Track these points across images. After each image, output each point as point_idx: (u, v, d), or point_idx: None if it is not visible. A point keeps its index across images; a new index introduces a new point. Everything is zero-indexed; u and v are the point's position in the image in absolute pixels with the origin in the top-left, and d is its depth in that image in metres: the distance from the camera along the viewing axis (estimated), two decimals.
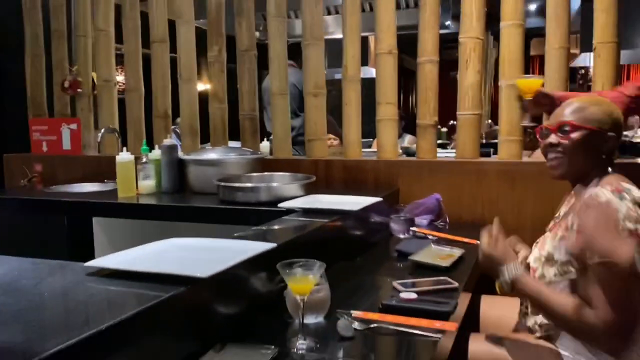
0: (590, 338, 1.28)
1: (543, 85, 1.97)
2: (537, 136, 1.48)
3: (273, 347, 1.03)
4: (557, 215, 1.53)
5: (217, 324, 1.09)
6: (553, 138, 1.39)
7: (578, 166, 1.38)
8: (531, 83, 1.85)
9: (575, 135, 1.35)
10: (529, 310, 1.47)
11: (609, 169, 1.38)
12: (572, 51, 5.69)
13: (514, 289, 1.36)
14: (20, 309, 0.89)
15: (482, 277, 1.57)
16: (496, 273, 1.39)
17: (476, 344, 1.46)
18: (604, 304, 1.20)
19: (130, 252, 1.15)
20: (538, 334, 1.43)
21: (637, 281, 1.21)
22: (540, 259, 1.40)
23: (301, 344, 1.06)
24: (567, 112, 1.38)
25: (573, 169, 1.39)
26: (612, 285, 1.20)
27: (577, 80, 7.26)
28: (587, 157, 1.37)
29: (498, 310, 1.69)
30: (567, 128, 1.36)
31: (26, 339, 0.78)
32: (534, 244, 1.51)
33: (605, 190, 1.26)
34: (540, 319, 1.42)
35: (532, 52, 7.29)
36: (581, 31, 5.31)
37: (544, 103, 1.86)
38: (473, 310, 1.69)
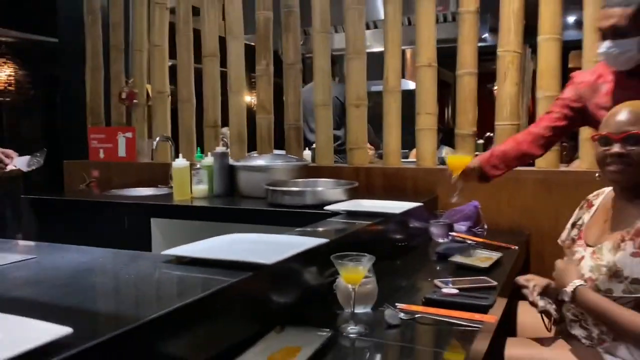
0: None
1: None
2: (597, 143, 1.44)
3: (328, 330, 1.15)
4: (580, 223, 1.57)
5: (277, 308, 1.21)
6: (618, 147, 1.38)
7: None
8: (460, 160, 1.86)
9: None
10: (581, 319, 1.46)
11: None
12: None
13: (574, 301, 1.37)
14: (114, 287, 1.03)
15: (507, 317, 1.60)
16: (563, 284, 1.40)
17: (513, 348, 1.49)
18: None
19: (199, 243, 1.29)
20: (587, 343, 1.44)
21: None
22: (600, 270, 1.37)
23: (352, 329, 1.18)
24: (631, 121, 1.36)
25: (638, 180, 1.38)
26: None
27: None
28: None
29: (535, 316, 1.70)
30: (634, 138, 1.35)
31: (126, 309, 0.92)
32: (569, 253, 1.53)
33: None
34: (597, 330, 1.42)
35: (571, 64, 7.26)
36: None
37: (472, 176, 1.93)
38: (510, 316, 1.72)
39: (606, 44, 1.67)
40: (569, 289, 1.36)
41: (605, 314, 1.31)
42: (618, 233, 1.39)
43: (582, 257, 1.46)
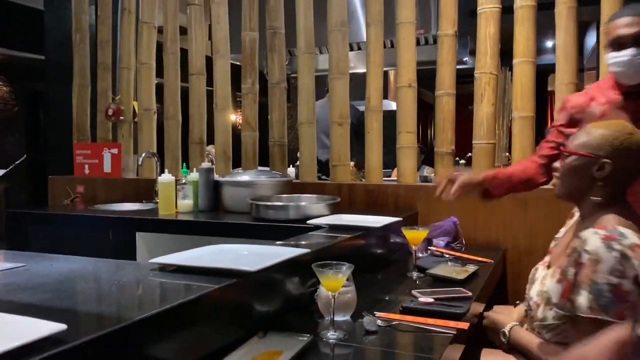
0: None
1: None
2: None
3: (308, 335, 1.20)
4: (555, 236, 1.63)
5: (259, 315, 1.26)
6: (557, 162, 1.50)
7: (570, 189, 1.44)
8: (417, 234, 1.89)
9: (568, 160, 1.42)
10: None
11: (618, 198, 1.38)
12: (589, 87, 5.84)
13: (509, 341, 1.52)
14: (102, 292, 1.07)
15: (482, 330, 1.68)
16: (497, 335, 1.58)
17: (488, 357, 1.57)
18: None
19: (185, 253, 1.34)
20: None
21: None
22: (542, 295, 1.43)
23: (332, 334, 1.23)
24: (572, 137, 1.45)
25: (565, 191, 1.45)
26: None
27: None
28: (578, 181, 1.40)
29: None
30: (565, 153, 1.44)
31: (112, 312, 0.96)
32: (534, 270, 1.57)
33: (596, 238, 1.24)
34: None
35: (550, 87, 7.47)
36: (597, 68, 5.46)
37: (474, 190, 1.94)
38: (484, 330, 1.73)
39: (629, 51, 1.66)
40: (507, 329, 1.53)
41: (532, 352, 1.44)
42: (564, 253, 1.43)
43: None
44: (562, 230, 1.62)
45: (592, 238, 1.25)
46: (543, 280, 1.47)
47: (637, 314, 1.20)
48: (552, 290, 1.39)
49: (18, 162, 2.25)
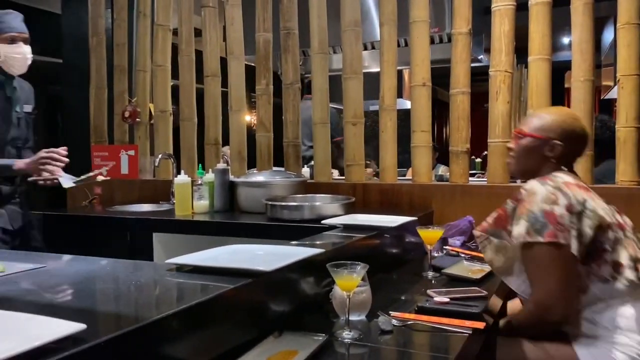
0: (545, 318, 1.46)
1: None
2: None
3: (324, 335, 1.20)
4: None
5: (275, 314, 1.26)
6: (510, 143, 1.69)
7: (525, 167, 1.64)
8: (432, 234, 1.88)
9: (522, 141, 1.62)
10: None
11: (563, 168, 1.59)
12: (607, 83, 5.75)
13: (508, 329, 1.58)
14: (121, 293, 1.09)
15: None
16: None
17: (504, 347, 1.58)
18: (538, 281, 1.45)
19: (201, 253, 1.35)
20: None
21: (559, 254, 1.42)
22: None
23: (347, 334, 1.23)
24: (524, 121, 1.66)
25: (520, 169, 1.67)
26: (534, 262, 1.45)
27: (613, 111, 7.28)
28: (532, 160, 1.61)
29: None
30: (519, 135, 1.63)
31: (131, 311, 0.97)
32: None
33: (534, 181, 1.50)
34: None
35: (567, 84, 7.38)
36: (614, 64, 5.38)
37: None
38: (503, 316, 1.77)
39: None
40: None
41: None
42: None
43: None
44: None
45: (531, 182, 1.51)
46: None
47: (569, 236, 1.41)
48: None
49: (91, 174, 2.34)
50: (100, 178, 2.45)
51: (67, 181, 2.20)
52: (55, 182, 2.21)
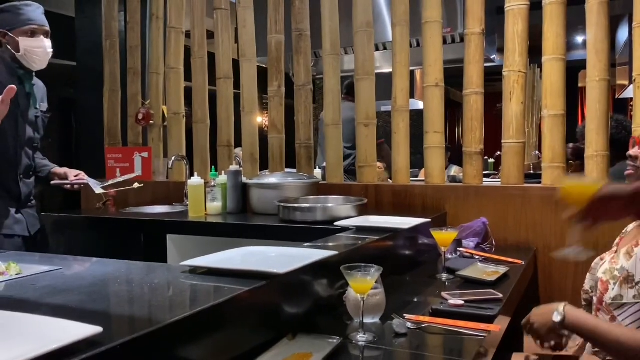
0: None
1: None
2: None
3: (338, 337, 1.20)
4: (624, 230, 1.56)
5: (289, 317, 1.26)
6: (634, 151, 1.45)
7: None
8: (446, 236, 1.70)
9: None
10: None
11: None
12: (621, 82, 5.70)
13: (564, 321, 1.34)
14: (135, 295, 1.10)
15: (513, 334, 1.58)
16: (549, 316, 1.38)
17: None
18: None
19: (215, 255, 1.35)
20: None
21: None
22: (612, 273, 1.38)
23: (361, 337, 1.23)
24: None
25: None
26: None
27: (628, 110, 7.20)
28: None
29: None
30: None
31: (147, 313, 0.98)
32: (599, 259, 1.52)
33: None
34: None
35: (581, 84, 7.31)
36: (630, 62, 5.32)
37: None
38: (516, 332, 1.67)
39: None
40: (560, 308, 1.35)
41: (596, 330, 1.29)
42: (636, 238, 1.39)
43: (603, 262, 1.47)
44: (630, 226, 1.57)
45: None
46: (614, 260, 1.42)
47: None
48: (635, 268, 1.31)
49: (120, 179, 2.42)
50: (136, 185, 2.50)
51: (95, 186, 2.26)
52: (82, 186, 2.25)
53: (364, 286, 1.24)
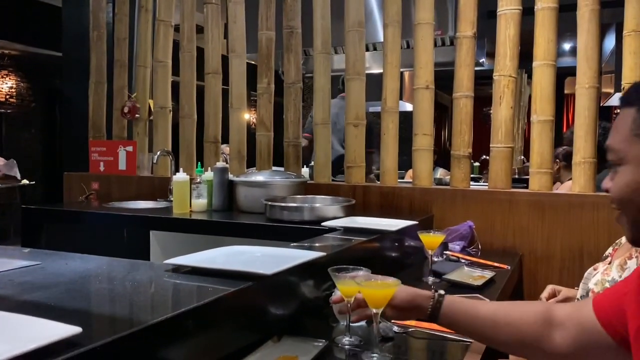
0: None
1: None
2: None
3: (324, 340, 1.18)
4: (617, 242, 1.55)
5: (274, 319, 1.24)
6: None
7: None
8: (434, 239, 1.83)
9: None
10: None
11: None
12: (606, 90, 5.78)
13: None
14: (117, 294, 1.06)
15: None
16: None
17: None
18: None
19: (200, 254, 1.32)
20: None
21: None
22: (604, 284, 1.37)
23: (347, 340, 1.21)
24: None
25: None
26: None
27: (612, 118, 7.29)
28: None
29: None
30: None
31: (127, 314, 0.95)
32: (592, 269, 1.51)
33: None
34: None
35: (567, 91, 7.38)
36: (615, 71, 5.39)
37: None
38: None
39: None
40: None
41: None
42: (629, 251, 1.37)
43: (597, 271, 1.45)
44: (624, 238, 1.56)
45: None
46: (606, 272, 1.40)
47: None
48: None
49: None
50: None
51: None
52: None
53: (351, 289, 1.22)
